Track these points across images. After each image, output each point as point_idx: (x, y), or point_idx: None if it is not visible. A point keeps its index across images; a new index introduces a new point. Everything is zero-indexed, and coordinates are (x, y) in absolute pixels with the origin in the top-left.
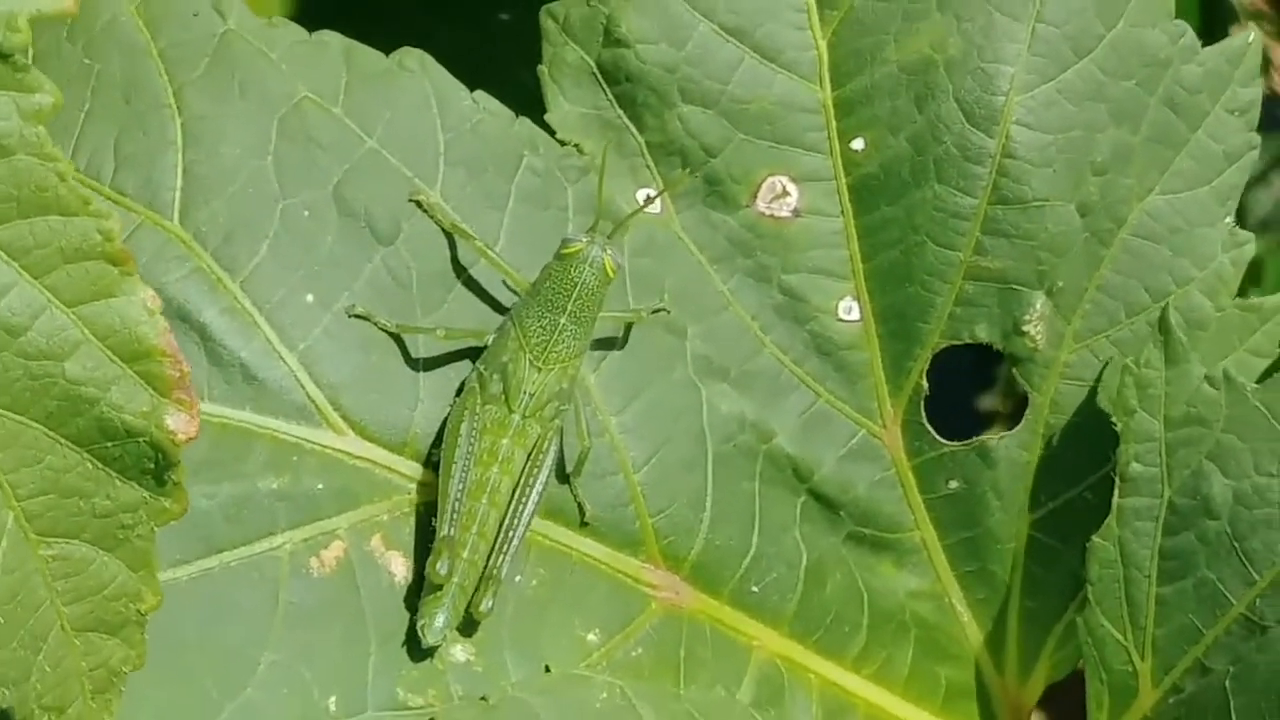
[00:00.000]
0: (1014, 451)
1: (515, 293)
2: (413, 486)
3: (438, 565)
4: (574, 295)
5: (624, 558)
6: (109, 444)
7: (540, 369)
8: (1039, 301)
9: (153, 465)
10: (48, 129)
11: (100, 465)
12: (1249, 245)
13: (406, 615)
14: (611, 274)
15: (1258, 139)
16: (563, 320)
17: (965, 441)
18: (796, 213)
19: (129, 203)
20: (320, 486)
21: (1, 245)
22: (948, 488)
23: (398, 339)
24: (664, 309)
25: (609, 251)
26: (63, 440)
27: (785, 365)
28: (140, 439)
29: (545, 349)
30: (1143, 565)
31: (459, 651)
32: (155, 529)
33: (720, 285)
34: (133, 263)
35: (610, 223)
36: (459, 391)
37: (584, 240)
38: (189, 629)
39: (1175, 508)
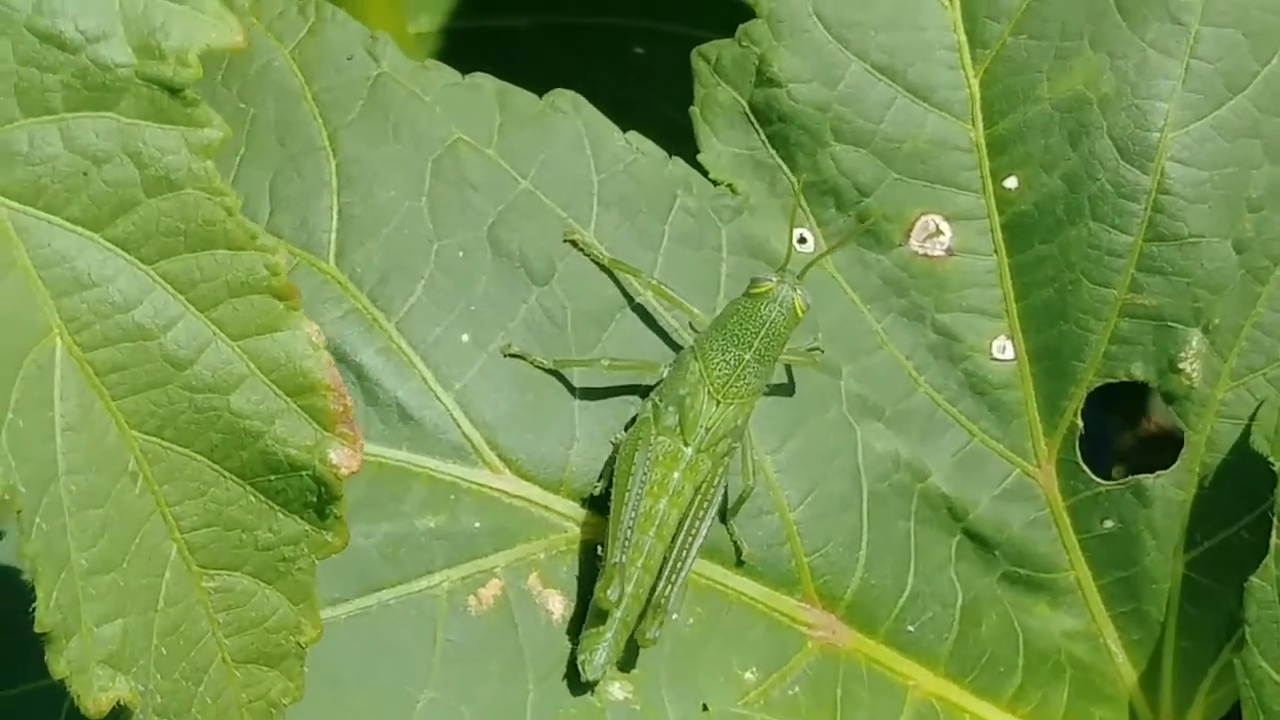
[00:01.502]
0: (1169, 490)
1: (677, 327)
2: (569, 525)
3: (609, 591)
4: (762, 333)
5: (780, 596)
6: (272, 477)
7: (720, 403)
8: (1195, 339)
9: (315, 499)
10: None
11: (263, 498)
12: None
13: (564, 654)
14: (801, 313)
15: None
16: (748, 356)
17: (1120, 481)
18: (950, 251)
19: (286, 244)
20: (477, 525)
21: (169, 278)
22: (1103, 527)
23: (556, 377)
24: (818, 348)
25: (799, 291)
26: (226, 473)
27: (939, 404)
28: (303, 472)
29: (727, 384)
30: None
31: (617, 690)
32: (316, 562)
33: (874, 324)
34: (298, 297)
35: (796, 266)
36: (629, 424)
37: (774, 280)
38: (347, 667)
39: None
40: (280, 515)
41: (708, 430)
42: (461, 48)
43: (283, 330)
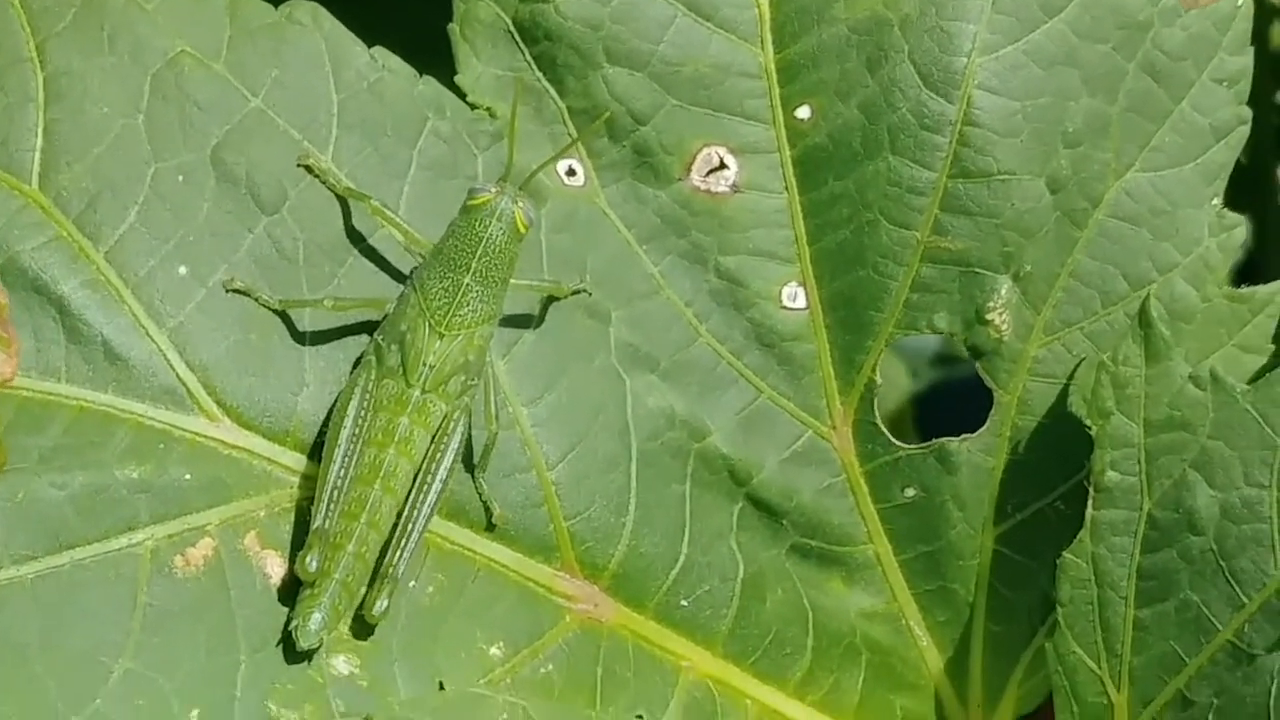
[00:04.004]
0: (977, 456)
1: (419, 261)
2: (295, 480)
3: (307, 560)
4: (479, 252)
5: (535, 565)
6: None
7: (443, 335)
8: (1004, 287)
9: None
10: None
11: None
12: (1239, 229)
13: (283, 622)
14: (523, 229)
15: (1249, 113)
16: (467, 279)
17: (923, 444)
18: (735, 188)
19: None
20: (188, 477)
21: None
22: (904, 496)
23: (282, 316)
24: (585, 290)
25: (520, 204)
26: None
27: (722, 357)
28: None
29: (448, 313)
30: (1119, 585)
31: (341, 663)
32: None
33: (650, 267)
34: None
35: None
36: (354, 368)
37: (492, 191)
38: (32, 633)
39: (1155, 522)
40: None
41: (432, 368)
42: None
43: None
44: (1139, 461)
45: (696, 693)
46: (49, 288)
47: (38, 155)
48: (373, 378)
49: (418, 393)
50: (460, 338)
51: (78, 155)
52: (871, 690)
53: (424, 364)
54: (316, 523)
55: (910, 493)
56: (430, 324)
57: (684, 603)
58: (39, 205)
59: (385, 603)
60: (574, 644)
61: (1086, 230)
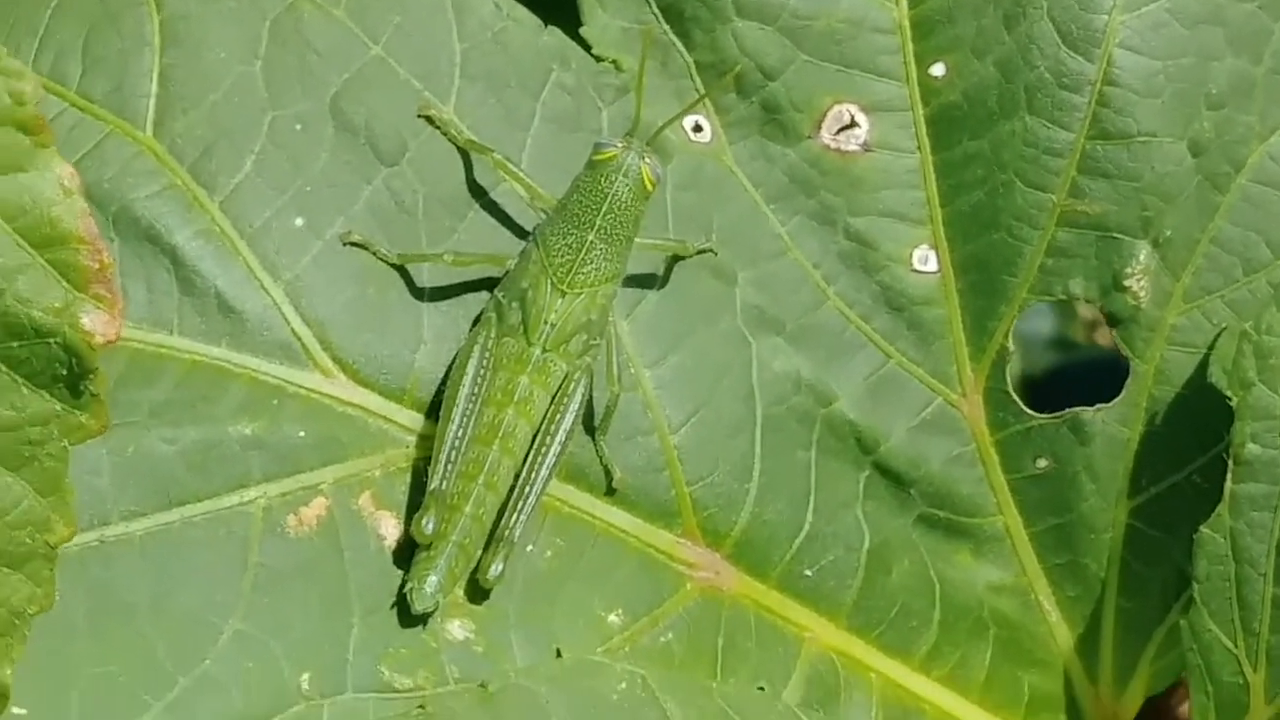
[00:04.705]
0: (1112, 427)
1: (541, 217)
2: (411, 439)
3: (423, 522)
4: (604, 209)
5: (656, 530)
6: (14, 344)
7: (565, 293)
8: (1143, 252)
9: (65, 372)
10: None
11: (4, 369)
12: None
13: (397, 585)
14: (650, 186)
15: None
16: (591, 237)
17: (1056, 414)
18: (866, 146)
19: (97, 109)
20: (302, 434)
21: None
22: (1035, 467)
23: (401, 271)
24: (710, 249)
25: (648, 160)
26: None
27: (850, 320)
28: (51, 340)
29: (570, 270)
30: (1257, 562)
31: (457, 628)
32: (69, 447)
33: (778, 227)
34: (49, 132)
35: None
36: (474, 325)
37: (619, 146)
38: (141, 591)
39: None
40: (25, 390)
41: (554, 326)
42: None
43: (29, 170)
44: None
45: (820, 665)
46: (162, 238)
47: (152, 101)
48: (492, 335)
49: (538, 352)
50: (583, 296)
51: (193, 102)
52: (999, 666)
53: (545, 322)
54: (433, 484)
55: (1042, 463)
56: (552, 281)
57: (808, 572)
58: (153, 153)
59: (501, 566)
60: (695, 613)
61: (1228, 195)
